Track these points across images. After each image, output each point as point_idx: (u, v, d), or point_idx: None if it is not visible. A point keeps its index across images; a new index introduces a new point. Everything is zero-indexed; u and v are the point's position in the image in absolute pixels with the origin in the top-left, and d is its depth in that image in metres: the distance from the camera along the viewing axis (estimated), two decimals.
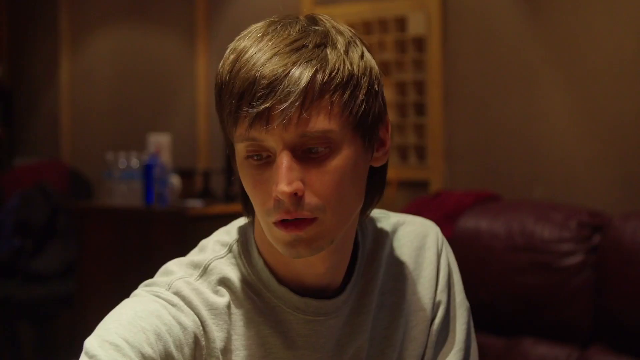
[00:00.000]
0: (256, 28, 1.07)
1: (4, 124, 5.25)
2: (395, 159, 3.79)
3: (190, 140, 4.74)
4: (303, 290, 1.13)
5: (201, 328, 1.08)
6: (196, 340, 1.07)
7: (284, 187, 1.01)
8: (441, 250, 1.25)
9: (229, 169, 4.20)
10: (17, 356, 4.67)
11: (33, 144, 5.40)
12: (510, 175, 3.55)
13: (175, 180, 4.25)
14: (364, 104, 1.05)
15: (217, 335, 1.09)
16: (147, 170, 4.13)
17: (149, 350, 1.02)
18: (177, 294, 1.09)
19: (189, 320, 1.07)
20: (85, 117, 5.24)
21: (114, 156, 4.43)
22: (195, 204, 4.03)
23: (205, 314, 1.09)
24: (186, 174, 4.33)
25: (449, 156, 3.74)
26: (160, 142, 4.49)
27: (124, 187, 4.33)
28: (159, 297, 1.08)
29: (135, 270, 3.86)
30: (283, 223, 1.03)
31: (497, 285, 2.72)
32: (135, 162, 4.36)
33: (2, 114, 5.23)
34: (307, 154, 1.03)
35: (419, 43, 3.83)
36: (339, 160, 1.04)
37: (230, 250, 1.15)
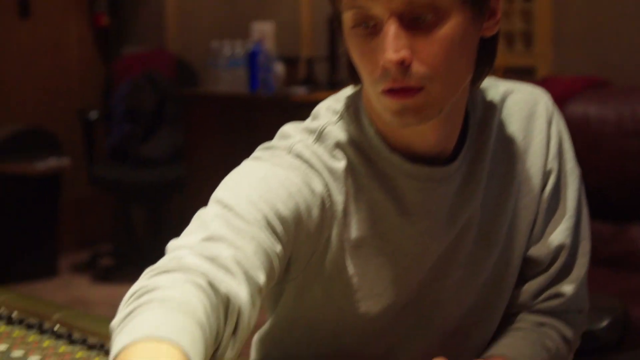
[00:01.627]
0: None
1: (111, 13, 5.34)
2: (500, 46, 3.71)
3: (294, 27, 4.73)
4: (415, 157, 1.13)
5: (327, 191, 1.10)
6: (323, 203, 1.09)
7: (390, 55, 1.00)
8: (552, 118, 1.24)
9: (333, 56, 4.20)
10: (131, 236, 4.89)
11: (139, 33, 5.50)
12: (622, 62, 3.45)
13: (279, 68, 4.28)
14: None
15: (338, 198, 1.11)
16: (252, 58, 4.17)
17: (282, 208, 1.04)
18: (299, 157, 1.11)
19: (317, 183, 1.10)
20: (190, 5, 5.28)
21: (218, 44, 4.48)
22: (299, 91, 4.06)
23: (327, 177, 1.11)
24: (290, 62, 4.35)
25: (557, 42, 3.65)
26: (264, 30, 4.51)
27: (228, 75, 4.39)
28: (283, 159, 1.10)
29: (240, 156, 3.94)
30: (390, 92, 1.03)
31: (606, 171, 2.68)
32: (239, 50, 4.40)
33: (109, 3, 5.32)
34: (414, 23, 1.02)
35: None
36: (448, 29, 1.02)
37: (342, 117, 1.15)
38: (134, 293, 0.91)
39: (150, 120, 4.75)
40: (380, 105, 1.06)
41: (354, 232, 1.12)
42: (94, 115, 4.75)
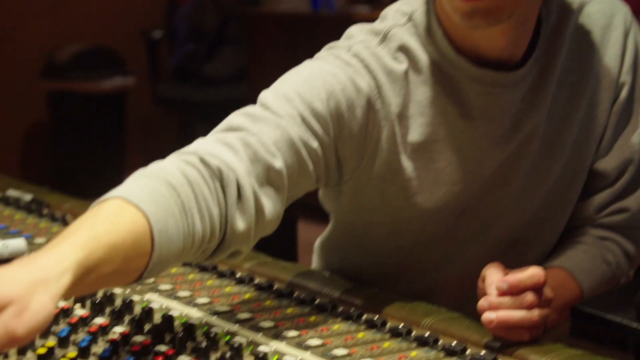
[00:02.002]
0: None
1: None
2: None
3: None
4: (481, 62, 1.13)
5: (376, 92, 1.11)
6: (369, 103, 1.10)
7: None
8: (629, 30, 1.22)
9: None
10: None
11: None
12: None
13: None
14: None
15: (394, 100, 1.12)
16: None
17: (319, 106, 1.06)
18: (356, 56, 1.12)
19: (364, 83, 1.10)
20: None
21: None
22: (362, 9, 4.02)
23: (382, 78, 1.12)
24: None
25: None
26: None
27: None
28: (338, 58, 1.12)
29: None
30: None
31: None
32: None
33: None
34: None
35: None
36: None
37: (410, 19, 1.15)
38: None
39: (213, 40, 4.76)
40: (451, 6, 1.06)
41: (413, 134, 1.13)
42: (157, 34, 4.78)
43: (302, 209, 1.89)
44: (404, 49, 1.14)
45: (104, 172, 4.64)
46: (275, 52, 4.39)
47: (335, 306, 1.08)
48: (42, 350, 0.91)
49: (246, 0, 4.86)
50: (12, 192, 1.65)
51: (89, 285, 0.81)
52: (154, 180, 0.90)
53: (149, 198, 0.86)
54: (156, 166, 0.94)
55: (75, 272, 0.76)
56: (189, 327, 0.98)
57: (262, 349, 0.93)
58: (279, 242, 1.92)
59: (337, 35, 1.19)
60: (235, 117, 1.05)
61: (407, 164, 1.13)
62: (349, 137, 1.10)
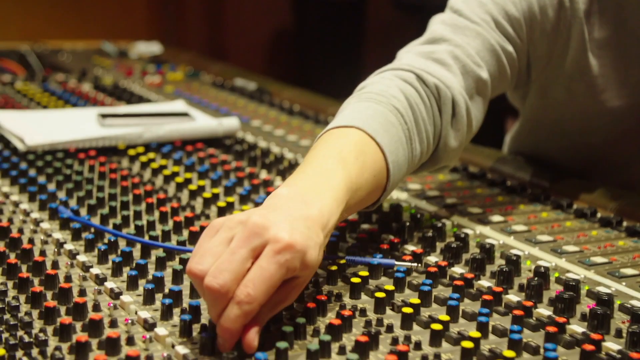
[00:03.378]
0: None
1: None
2: None
3: None
4: None
5: None
6: (561, 3, 1.04)
7: None
8: None
9: None
10: None
11: None
12: None
13: None
14: None
15: None
16: None
17: (512, 9, 1.03)
18: None
19: None
20: None
21: None
22: None
23: None
24: None
25: None
26: None
27: None
28: None
29: None
30: None
31: None
32: None
33: None
34: None
35: None
36: None
37: None
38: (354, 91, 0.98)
39: None
40: None
41: (599, 32, 1.08)
42: None
43: None
44: None
45: (342, 76, 4.77)
46: None
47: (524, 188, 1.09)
48: None
49: None
50: (238, 81, 1.77)
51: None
52: (383, 106, 0.91)
53: (383, 129, 0.88)
54: (379, 87, 0.94)
55: (333, 230, 0.78)
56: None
57: None
58: None
59: None
60: (436, 27, 1.03)
61: (593, 62, 1.08)
62: (540, 37, 1.06)
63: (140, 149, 1.23)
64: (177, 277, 0.80)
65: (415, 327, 0.73)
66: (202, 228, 0.90)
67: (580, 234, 0.97)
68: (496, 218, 1.01)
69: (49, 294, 0.76)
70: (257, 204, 1.02)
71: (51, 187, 1.06)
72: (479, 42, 1.01)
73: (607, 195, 1.08)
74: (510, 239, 0.95)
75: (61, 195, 1.04)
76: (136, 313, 0.73)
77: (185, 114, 1.36)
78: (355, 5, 4.85)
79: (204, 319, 0.72)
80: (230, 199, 1.02)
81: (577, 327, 0.72)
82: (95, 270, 0.81)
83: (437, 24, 1.04)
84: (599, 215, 1.02)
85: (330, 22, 4.86)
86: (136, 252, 0.87)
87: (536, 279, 0.80)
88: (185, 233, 0.93)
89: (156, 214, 0.98)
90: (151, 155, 1.20)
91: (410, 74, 0.96)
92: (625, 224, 0.99)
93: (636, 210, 1.02)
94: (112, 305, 0.74)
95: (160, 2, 4.23)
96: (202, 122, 1.33)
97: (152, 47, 2.16)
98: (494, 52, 1.02)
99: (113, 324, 0.71)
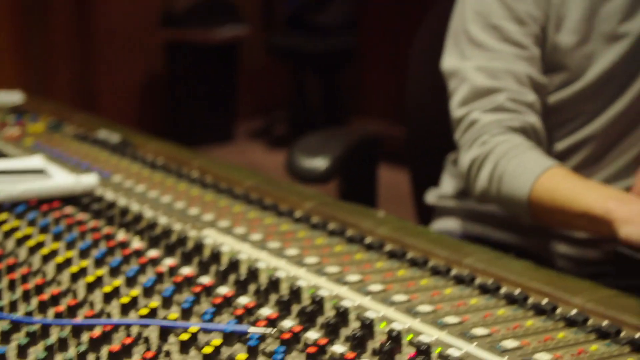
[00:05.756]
0: None
1: None
2: None
3: None
4: None
5: None
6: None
7: None
8: None
9: None
10: (305, 104, 5.00)
11: None
12: None
13: None
14: None
15: None
16: None
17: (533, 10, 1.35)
18: None
19: None
20: None
21: None
22: None
23: None
24: None
25: None
26: None
27: None
28: None
29: (413, 29, 3.91)
30: None
31: None
32: None
33: None
34: None
35: None
36: None
37: None
38: (474, 161, 1.32)
39: None
40: None
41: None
42: None
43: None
44: None
45: (215, 120, 4.76)
46: (387, 4, 4.36)
47: None
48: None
49: None
50: (102, 133, 1.74)
51: None
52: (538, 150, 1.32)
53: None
54: (522, 143, 1.32)
55: None
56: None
57: None
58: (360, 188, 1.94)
59: None
60: (480, 81, 1.35)
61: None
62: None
63: None
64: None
65: None
66: (53, 296, 0.87)
67: (434, 293, 0.97)
68: (353, 277, 1.01)
69: None
70: (111, 269, 0.99)
71: None
72: (521, 66, 1.36)
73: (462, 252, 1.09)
74: (366, 299, 0.95)
75: None
76: None
77: (41, 171, 1.32)
78: (227, 51, 4.86)
79: None
80: (84, 263, 0.99)
81: None
82: None
83: (480, 77, 1.35)
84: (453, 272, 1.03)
85: (203, 68, 4.85)
86: None
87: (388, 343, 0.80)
88: (34, 302, 0.89)
89: (4, 281, 0.95)
90: (3, 216, 1.16)
91: (517, 127, 1.35)
92: (478, 281, 1.00)
93: (488, 267, 1.04)
94: None
95: (25, 49, 4.12)
96: (59, 180, 1.29)
97: (13, 97, 2.10)
98: (531, 63, 1.37)
99: None
